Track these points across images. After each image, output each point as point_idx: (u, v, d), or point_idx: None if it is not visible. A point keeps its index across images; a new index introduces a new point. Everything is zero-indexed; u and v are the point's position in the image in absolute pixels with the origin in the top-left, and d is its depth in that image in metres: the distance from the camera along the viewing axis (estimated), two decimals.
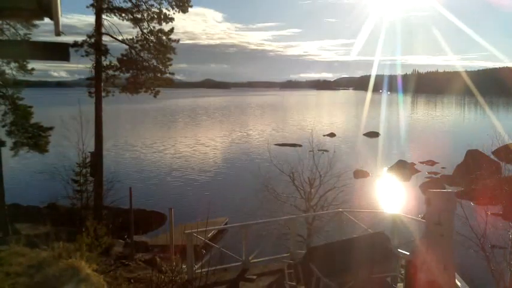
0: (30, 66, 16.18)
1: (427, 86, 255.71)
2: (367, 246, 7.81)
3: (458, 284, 7.56)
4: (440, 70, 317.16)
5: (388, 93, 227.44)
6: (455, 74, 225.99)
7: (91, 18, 16.94)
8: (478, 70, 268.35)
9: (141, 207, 22.58)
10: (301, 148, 40.69)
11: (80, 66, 17.00)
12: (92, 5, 16.63)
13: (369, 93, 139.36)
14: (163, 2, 16.93)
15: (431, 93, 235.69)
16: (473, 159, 33.86)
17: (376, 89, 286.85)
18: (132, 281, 10.41)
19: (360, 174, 35.10)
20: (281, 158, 20.16)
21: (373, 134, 62.85)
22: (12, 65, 15.79)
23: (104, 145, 17.80)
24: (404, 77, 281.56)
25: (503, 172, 32.15)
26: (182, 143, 54.54)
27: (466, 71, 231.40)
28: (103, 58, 16.92)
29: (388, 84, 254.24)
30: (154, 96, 18.44)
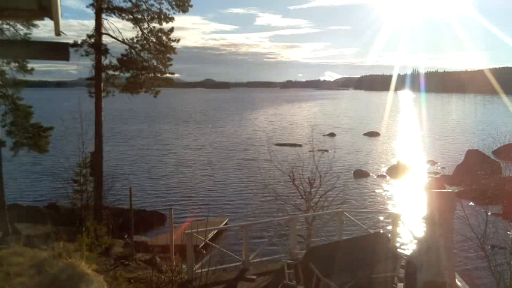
0: (30, 66, 16.17)
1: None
2: (367, 246, 7.80)
3: (458, 284, 7.56)
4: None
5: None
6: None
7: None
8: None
9: (141, 207, 22.61)
10: (301, 148, 40.70)
11: (79, 67, 16.98)
12: (91, 4, 16.62)
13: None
14: (164, 1, 16.92)
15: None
16: (473, 159, 33.90)
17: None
18: (132, 281, 10.41)
19: (360, 174, 35.12)
20: (281, 158, 20.17)
21: (373, 134, 62.89)
22: (12, 65, 15.77)
23: (104, 145, 17.76)
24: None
25: (503, 172, 32.23)
26: (182, 143, 54.57)
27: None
28: (103, 58, 16.90)
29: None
30: (155, 96, 18.41)
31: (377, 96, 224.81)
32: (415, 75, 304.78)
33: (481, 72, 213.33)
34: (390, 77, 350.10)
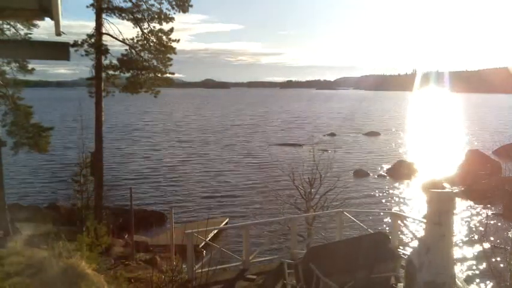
0: (30, 66, 16.17)
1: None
2: (367, 246, 7.80)
3: (459, 284, 7.56)
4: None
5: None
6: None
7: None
8: None
9: (141, 207, 22.60)
10: (301, 148, 40.72)
11: (80, 66, 17.00)
12: (92, 4, 16.63)
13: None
14: (164, 1, 16.92)
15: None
16: (474, 159, 33.93)
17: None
18: (132, 280, 10.41)
19: (360, 174, 35.13)
20: (281, 158, 20.19)
21: (374, 133, 62.88)
22: (13, 65, 15.78)
23: (104, 145, 17.77)
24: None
25: (503, 172, 32.23)
26: (182, 143, 54.55)
27: None
28: (103, 58, 16.90)
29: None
30: (155, 96, 18.42)
31: (379, 96, 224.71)
32: (414, 74, 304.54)
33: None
34: (391, 77, 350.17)
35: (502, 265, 10.99)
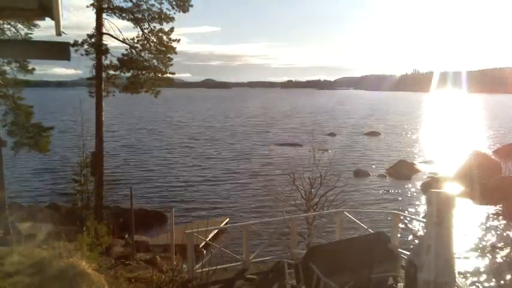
0: (30, 66, 16.19)
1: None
2: (367, 246, 7.80)
3: (459, 283, 7.56)
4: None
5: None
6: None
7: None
8: None
9: (141, 207, 22.62)
10: (302, 148, 40.71)
11: (80, 66, 17.00)
12: (92, 4, 16.63)
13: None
14: (164, 1, 16.92)
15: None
16: (474, 159, 33.92)
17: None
18: (132, 280, 10.41)
19: (360, 174, 35.14)
20: (281, 158, 20.19)
21: (374, 133, 62.85)
22: (13, 64, 15.81)
23: (105, 145, 17.77)
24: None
25: (504, 172, 32.25)
26: (183, 143, 54.56)
27: None
28: (103, 58, 16.90)
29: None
30: (155, 96, 18.43)
31: (379, 96, 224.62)
32: (415, 75, 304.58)
33: None
34: (391, 76, 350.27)
35: (502, 265, 11.01)
